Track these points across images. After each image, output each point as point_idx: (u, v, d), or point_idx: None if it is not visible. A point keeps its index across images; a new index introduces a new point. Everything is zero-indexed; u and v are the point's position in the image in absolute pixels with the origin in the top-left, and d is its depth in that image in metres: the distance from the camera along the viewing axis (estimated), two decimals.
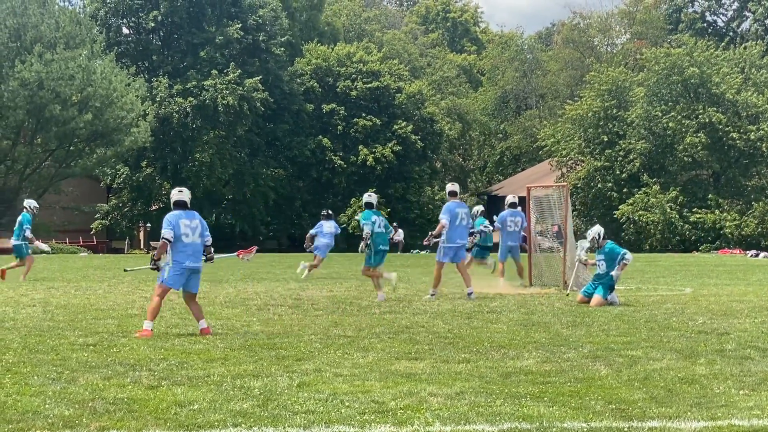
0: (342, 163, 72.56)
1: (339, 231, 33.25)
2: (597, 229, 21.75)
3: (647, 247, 64.39)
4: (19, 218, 29.05)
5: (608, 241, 21.65)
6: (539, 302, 21.23)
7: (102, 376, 11.24)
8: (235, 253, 22.89)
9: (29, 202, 29.58)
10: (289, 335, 15.28)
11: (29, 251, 28.91)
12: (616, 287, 21.22)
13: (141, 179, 70.10)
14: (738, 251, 58.76)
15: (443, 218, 22.63)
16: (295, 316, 18.31)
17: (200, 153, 68.87)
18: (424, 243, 25.64)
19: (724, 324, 16.90)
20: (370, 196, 22.56)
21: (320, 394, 10.25)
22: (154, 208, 73.81)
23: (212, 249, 16.34)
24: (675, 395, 10.33)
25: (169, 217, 15.41)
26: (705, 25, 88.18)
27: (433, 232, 23.20)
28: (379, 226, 22.16)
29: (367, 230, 21.82)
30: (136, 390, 10.40)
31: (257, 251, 25.02)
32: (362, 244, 21.94)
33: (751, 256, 53.75)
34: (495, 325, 16.82)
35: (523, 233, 27.18)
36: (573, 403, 9.89)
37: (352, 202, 70.90)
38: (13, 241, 29.09)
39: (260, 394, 10.26)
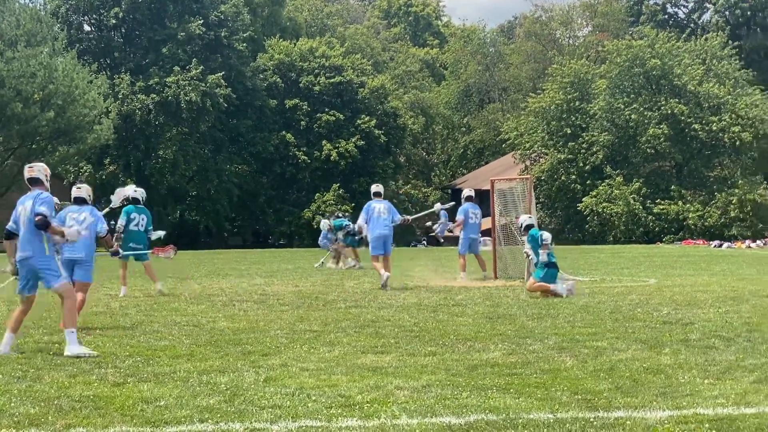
0: (306, 158, 72.46)
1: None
2: (521, 220, 22.08)
3: (611, 238, 64.66)
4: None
5: (532, 228, 21.81)
6: (505, 294, 21.28)
7: (67, 373, 11.18)
8: (151, 251, 22.94)
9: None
10: (255, 331, 15.25)
11: None
12: (570, 277, 21.37)
13: (104, 177, 69.72)
14: (701, 242, 59.10)
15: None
16: (261, 311, 18.27)
17: (163, 150, 68.57)
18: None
19: (689, 314, 16.99)
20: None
21: (287, 389, 10.23)
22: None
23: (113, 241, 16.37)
24: (640, 385, 10.38)
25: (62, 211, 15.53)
26: (666, 16, 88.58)
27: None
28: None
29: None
30: (102, 387, 10.35)
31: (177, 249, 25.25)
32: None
33: (715, 246, 54.10)
34: (461, 318, 16.84)
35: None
36: (539, 394, 9.91)
37: (316, 197, 70.88)
38: None
39: (227, 389, 10.24)
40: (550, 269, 21.05)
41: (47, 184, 13.34)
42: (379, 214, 24.24)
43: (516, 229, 22.27)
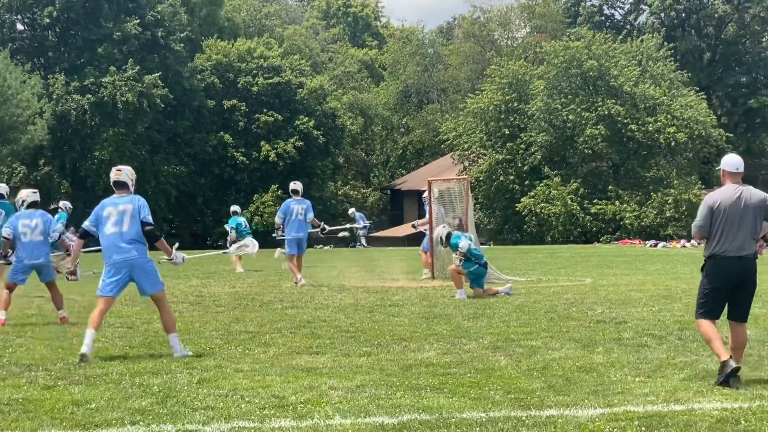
0: (244, 159, 72.21)
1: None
2: (439, 232, 22.27)
3: (549, 239, 65.00)
4: (57, 217, 30.64)
5: (453, 234, 21.95)
6: (441, 295, 21.34)
7: None
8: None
9: (65, 204, 33.16)
10: (189, 332, 15.21)
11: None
12: (507, 278, 21.55)
13: (39, 178, 68.98)
14: (638, 241, 59.55)
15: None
16: (197, 312, 18.22)
17: (99, 151, 67.95)
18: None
19: (622, 313, 17.14)
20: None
21: (220, 390, 10.21)
22: (52, 207, 72.81)
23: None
24: (573, 384, 10.45)
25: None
26: (603, 18, 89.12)
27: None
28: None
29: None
30: (32, 390, 10.27)
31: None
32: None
33: (650, 246, 54.53)
34: (397, 318, 16.87)
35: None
36: (472, 393, 9.95)
37: (254, 199, 70.64)
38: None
39: (159, 391, 10.19)
40: (478, 269, 21.20)
41: (132, 188, 13.52)
42: (296, 216, 24.82)
43: (436, 241, 22.46)
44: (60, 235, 18.03)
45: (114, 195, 13.41)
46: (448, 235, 21.95)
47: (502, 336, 14.31)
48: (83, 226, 13.37)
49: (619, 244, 59.83)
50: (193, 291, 23.23)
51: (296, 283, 24.05)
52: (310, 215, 24.73)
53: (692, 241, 53.17)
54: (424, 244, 27.54)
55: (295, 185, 25.62)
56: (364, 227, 52.94)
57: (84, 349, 12.46)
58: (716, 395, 9.87)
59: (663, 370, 11.33)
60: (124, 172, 13.53)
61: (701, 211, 11.02)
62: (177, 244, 14.60)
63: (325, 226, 27.57)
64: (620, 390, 10.09)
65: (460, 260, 21.33)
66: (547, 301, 19.52)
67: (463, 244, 21.49)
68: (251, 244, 20.26)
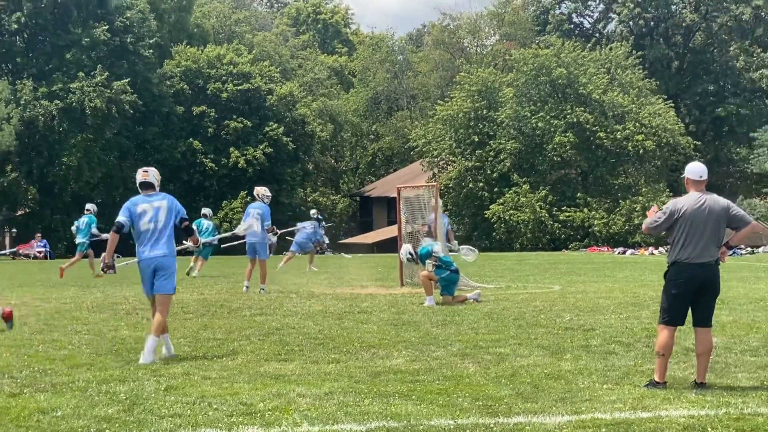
0: (213, 165, 72.09)
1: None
2: (402, 254, 22.43)
3: (518, 246, 65.13)
4: (85, 219, 34.06)
5: (420, 247, 22.09)
6: (410, 302, 21.33)
7: None
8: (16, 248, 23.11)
9: (92, 206, 35.32)
10: None
11: (86, 248, 33.01)
12: (476, 285, 21.64)
13: (5, 184, 68.64)
14: (606, 249, 59.78)
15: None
16: None
17: (68, 157, 67.66)
18: None
19: (590, 320, 17.17)
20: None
21: (188, 398, 10.16)
22: (19, 213, 72.49)
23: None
24: (541, 391, 10.46)
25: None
26: (572, 26, 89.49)
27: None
28: None
29: None
30: None
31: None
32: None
33: (619, 253, 54.76)
34: (365, 325, 16.86)
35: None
36: (441, 400, 9.95)
37: (223, 205, 70.50)
38: (80, 239, 33.97)
39: (126, 398, 10.13)
40: (450, 275, 21.27)
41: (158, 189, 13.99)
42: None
43: (408, 260, 22.59)
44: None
45: (141, 194, 13.85)
46: (415, 252, 22.09)
47: (470, 343, 14.32)
48: (118, 220, 13.64)
49: (587, 251, 60.05)
50: None
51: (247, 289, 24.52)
52: (266, 222, 24.71)
53: (660, 248, 53.46)
54: None
55: (256, 191, 25.54)
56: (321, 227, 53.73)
57: (151, 358, 12.91)
58: (683, 402, 9.91)
59: (630, 377, 11.36)
60: (150, 174, 14.03)
61: (661, 214, 11.10)
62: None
63: (276, 230, 27.94)
64: (588, 397, 10.11)
65: (434, 266, 21.35)
66: (516, 308, 19.54)
67: (436, 248, 21.59)
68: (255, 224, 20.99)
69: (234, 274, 31.89)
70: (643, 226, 11.53)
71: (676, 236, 10.96)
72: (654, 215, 11.27)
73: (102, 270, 14.52)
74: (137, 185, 13.98)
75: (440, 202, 28.08)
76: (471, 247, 26.61)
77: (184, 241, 14.99)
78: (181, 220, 13.75)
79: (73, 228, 35.13)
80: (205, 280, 30.62)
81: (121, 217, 13.58)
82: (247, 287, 24.39)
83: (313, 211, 42.42)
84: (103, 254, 14.45)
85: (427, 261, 21.60)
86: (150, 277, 13.53)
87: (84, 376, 11.52)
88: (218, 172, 72.39)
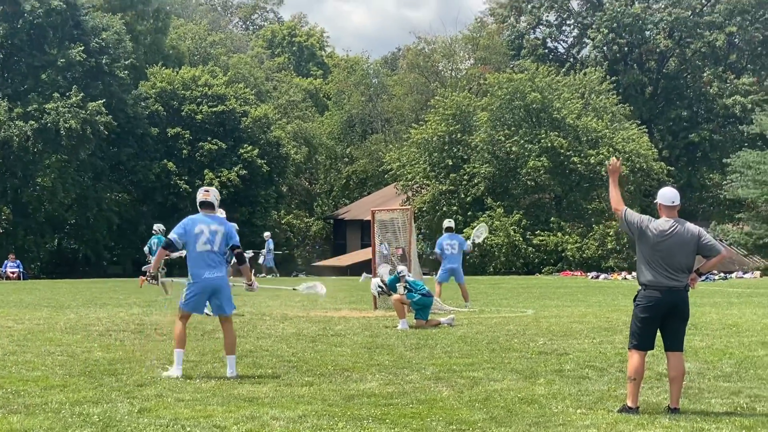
0: (187, 187, 71.87)
1: None
2: (375, 283, 22.46)
3: (491, 269, 65.15)
4: (155, 240, 32.36)
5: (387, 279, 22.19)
6: (384, 325, 21.34)
7: None
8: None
9: (159, 226, 33.94)
10: (130, 361, 15.11)
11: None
12: (450, 308, 21.78)
13: None
14: (579, 273, 59.89)
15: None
16: (138, 341, 18.10)
17: (42, 177, 67.45)
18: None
19: (564, 344, 17.23)
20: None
21: (161, 420, 10.15)
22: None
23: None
24: (514, 415, 10.49)
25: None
26: (546, 51, 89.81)
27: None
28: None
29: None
30: None
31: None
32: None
33: (592, 277, 54.85)
34: (339, 348, 16.87)
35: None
36: (414, 424, 9.97)
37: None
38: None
39: (99, 420, 10.11)
40: (422, 298, 21.33)
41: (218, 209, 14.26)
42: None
43: (386, 289, 22.61)
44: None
45: (201, 213, 14.03)
46: (384, 283, 22.14)
47: (444, 367, 14.35)
48: (169, 237, 13.87)
49: (560, 275, 60.14)
50: (135, 319, 23.06)
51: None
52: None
53: (633, 273, 53.58)
54: (440, 276, 28.10)
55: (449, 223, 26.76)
56: (269, 251, 54.31)
57: (177, 373, 13.25)
58: (657, 428, 9.96)
59: (604, 402, 11.41)
60: (212, 194, 14.24)
61: (635, 219, 11.16)
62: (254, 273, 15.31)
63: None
64: (562, 422, 10.14)
65: (405, 288, 21.40)
66: (490, 332, 19.58)
67: (401, 269, 21.79)
68: (319, 286, 20.84)
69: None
70: (613, 207, 11.57)
71: (642, 258, 11.04)
72: (627, 213, 11.28)
73: (147, 279, 14.77)
74: (197, 204, 14.15)
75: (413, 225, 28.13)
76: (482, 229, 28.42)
77: (234, 284, 15.00)
78: (234, 247, 13.94)
79: (146, 249, 34.82)
80: (176, 302, 30.51)
81: (174, 235, 13.80)
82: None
83: (266, 234, 43.12)
84: (149, 265, 14.67)
85: (397, 285, 21.65)
86: (205, 298, 14.01)
87: (57, 398, 11.49)
88: (192, 193, 71.87)
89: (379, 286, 22.37)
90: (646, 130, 71.89)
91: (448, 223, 29.23)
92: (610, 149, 65.69)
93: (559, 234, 65.07)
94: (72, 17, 68.14)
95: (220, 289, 13.77)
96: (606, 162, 64.24)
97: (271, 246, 54.58)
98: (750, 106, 77.03)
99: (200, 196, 14.17)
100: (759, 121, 67.83)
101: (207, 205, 14.06)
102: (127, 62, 70.99)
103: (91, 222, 69.54)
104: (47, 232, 68.48)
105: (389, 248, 26.81)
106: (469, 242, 28.96)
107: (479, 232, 28.71)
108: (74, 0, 67.93)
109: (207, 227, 13.74)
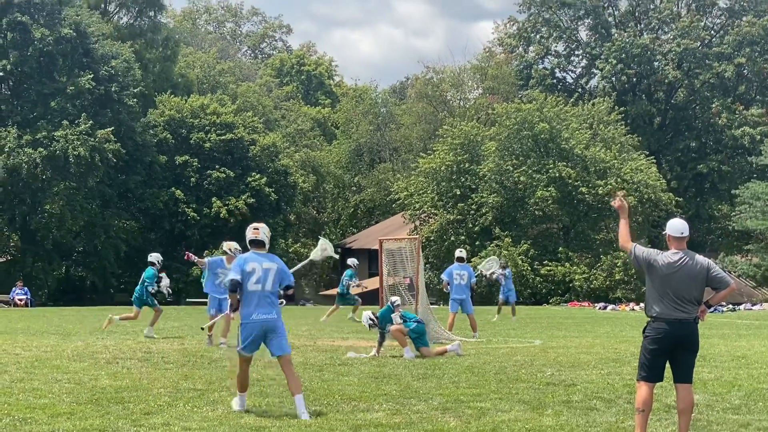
0: (195, 215, 72.00)
1: None
2: (366, 316, 22.35)
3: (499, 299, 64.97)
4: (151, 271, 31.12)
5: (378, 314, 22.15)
6: (391, 354, 21.29)
7: None
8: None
9: (156, 256, 32.16)
10: (137, 389, 15.07)
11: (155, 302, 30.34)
12: (456, 338, 21.78)
13: None
14: (587, 304, 59.80)
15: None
16: (145, 369, 18.06)
17: (50, 204, 67.56)
18: None
19: (572, 375, 17.16)
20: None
21: None
22: (0, 260, 72.15)
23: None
24: None
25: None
26: (555, 81, 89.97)
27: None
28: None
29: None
30: None
31: None
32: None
33: (600, 308, 54.76)
34: (346, 377, 16.82)
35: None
36: None
37: (204, 255, 70.29)
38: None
39: None
40: (417, 326, 21.36)
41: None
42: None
43: (377, 322, 22.49)
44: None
45: (252, 251, 13.73)
46: (375, 316, 22.01)
47: (451, 397, 14.30)
48: (233, 279, 13.47)
49: (568, 305, 60.04)
50: (142, 347, 23.03)
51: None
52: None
53: (641, 304, 53.51)
54: (451, 306, 28.38)
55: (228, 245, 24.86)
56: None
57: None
58: None
59: None
60: (261, 231, 13.91)
61: (644, 254, 11.14)
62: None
63: None
64: None
65: (401, 317, 21.41)
66: (497, 362, 19.52)
67: (394, 299, 21.83)
68: (329, 248, 20.78)
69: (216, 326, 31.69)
70: (620, 241, 11.56)
71: (651, 290, 11.01)
72: (636, 249, 11.27)
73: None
74: (247, 242, 13.88)
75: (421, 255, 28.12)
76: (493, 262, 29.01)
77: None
78: (287, 287, 13.71)
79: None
80: (185, 329, 30.53)
81: (236, 276, 13.46)
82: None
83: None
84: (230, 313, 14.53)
85: (393, 315, 21.59)
86: (258, 338, 13.41)
87: (64, 426, 11.47)
88: (200, 221, 72.31)
89: (371, 319, 22.24)
90: (655, 160, 71.94)
91: (459, 252, 29.26)
92: (618, 180, 65.73)
93: (567, 264, 64.99)
94: (82, 45, 68.35)
95: (274, 329, 13.37)
96: (611, 197, 64.33)
97: None
98: (759, 137, 77.06)
99: (250, 234, 13.84)
100: (767, 153, 67.85)
101: (257, 243, 13.79)
102: (136, 90, 71.18)
103: (98, 249, 69.56)
104: (55, 259, 68.50)
105: (399, 277, 26.82)
106: (476, 274, 29.08)
107: (489, 265, 28.83)
108: (84, 28, 68.08)
109: (259, 265, 13.49)
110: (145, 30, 79.70)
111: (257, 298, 13.34)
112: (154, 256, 31.55)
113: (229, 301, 13.97)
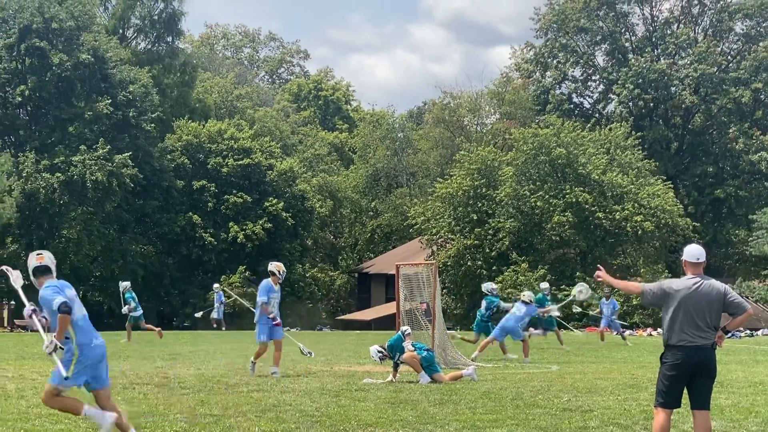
0: (212, 240, 72.12)
1: None
2: (374, 350, 22.38)
3: None
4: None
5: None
6: (407, 380, 21.27)
7: None
8: None
9: (126, 284, 37.13)
10: (154, 414, 15.07)
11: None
12: (473, 363, 21.86)
13: (5, 256, 68.44)
14: (605, 329, 59.54)
15: None
16: (161, 395, 18.06)
17: (67, 229, 67.76)
18: None
19: (588, 401, 17.11)
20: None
21: None
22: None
23: None
24: None
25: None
26: (572, 106, 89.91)
27: None
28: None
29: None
30: None
31: None
32: None
33: (617, 334, 54.54)
34: (363, 403, 16.80)
35: None
36: None
37: (221, 280, 70.40)
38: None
39: None
40: (428, 354, 21.41)
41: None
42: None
43: (386, 353, 22.44)
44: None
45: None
46: (384, 349, 22.04)
47: (468, 423, 14.27)
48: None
49: (585, 331, 59.85)
50: (158, 372, 23.05)
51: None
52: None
53: (658, 329, 53.34)
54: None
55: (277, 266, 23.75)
56: (221, 304, 54.87)
57: None
58: None
59: None
60: (46, 257, 14.19)
61: (655, 287, 11.15)
62: None
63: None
64: None
65: (412, 343, 21.47)
66: (514, 388, 19.48)
67: (404, 328, 21.99)
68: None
69: (232, 349, 31.75)
70: (642, 299, 11.59)
71: (669, 317, 10.99)
72: (646, 287, 11.30)
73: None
74: (31, 271, 13.93)
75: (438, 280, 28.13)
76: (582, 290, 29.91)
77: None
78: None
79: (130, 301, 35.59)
80: (200, 354, 30.53)
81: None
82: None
83: (215, 286, 45.01)
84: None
85: (404, 344, 21.58)
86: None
87: None
88: (217, 246, 72.43)
89: (379, 351, 22.15)
90: (672, 185, 71.80)
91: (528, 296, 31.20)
92: (636, 205, 65.59)
93: None
94: (100, 70, 68.66)
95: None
96: (633, 218, 64.26)
97: (222, 299, 54.71)
98: None
99: (34, 261, 14.11)
100: None
101: (44, 270, 14.22)
102: (153, 115, 71.46)
103: (116, 274, 69.59)
104: (72, 283, 67.69)
105: (416, 302, 26.83)
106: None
107: (579, 289, 30.60)
108: (102, 53, 68.39)
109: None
110: (162, 55, 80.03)
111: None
112: (125, 285, 34.87)
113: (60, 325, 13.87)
